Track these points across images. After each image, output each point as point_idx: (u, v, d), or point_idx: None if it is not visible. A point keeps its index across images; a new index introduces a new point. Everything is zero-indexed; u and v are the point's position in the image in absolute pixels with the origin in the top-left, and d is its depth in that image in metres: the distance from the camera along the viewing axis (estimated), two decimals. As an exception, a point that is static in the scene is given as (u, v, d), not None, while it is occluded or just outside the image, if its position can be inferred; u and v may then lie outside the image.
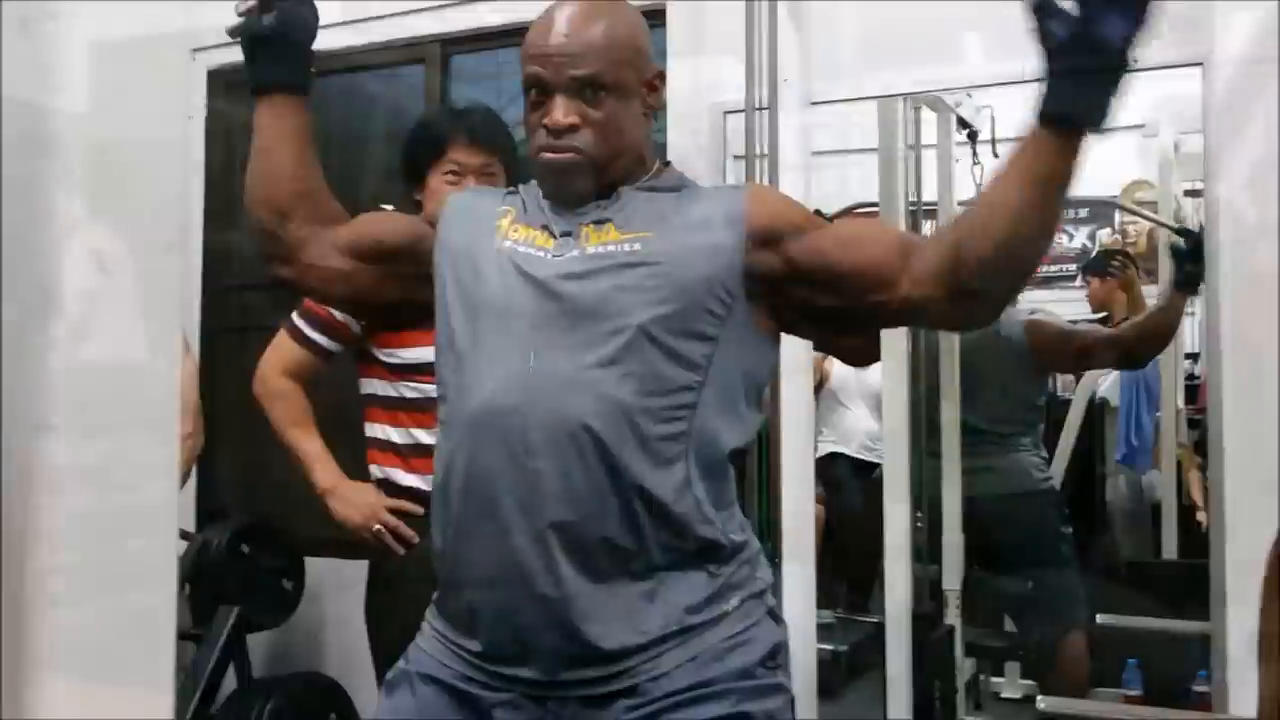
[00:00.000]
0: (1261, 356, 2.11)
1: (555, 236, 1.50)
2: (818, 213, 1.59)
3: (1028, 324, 3.44)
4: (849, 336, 2.45)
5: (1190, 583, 3.38)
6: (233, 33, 1.58)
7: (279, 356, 2.33)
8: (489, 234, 1.54)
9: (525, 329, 1.46)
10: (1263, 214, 2.13)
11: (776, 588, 1.62)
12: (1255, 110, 2.15)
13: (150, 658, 1.04)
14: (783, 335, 1.57)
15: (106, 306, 0.92)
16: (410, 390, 2.24)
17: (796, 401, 2.44)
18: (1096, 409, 4.27)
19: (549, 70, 1.48)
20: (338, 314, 2.24)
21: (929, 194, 3.45)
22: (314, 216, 1.62)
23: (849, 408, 4.38)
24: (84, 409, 0.91)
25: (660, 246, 1.47)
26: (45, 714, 0.90)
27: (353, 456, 2.35)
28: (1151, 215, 4.31)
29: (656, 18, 2.69)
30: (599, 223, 1.50)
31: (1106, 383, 4.30)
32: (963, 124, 3.41)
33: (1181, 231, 3.49)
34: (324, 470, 2.30)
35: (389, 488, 2.27)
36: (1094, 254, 4.85)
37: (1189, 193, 4.11)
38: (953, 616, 3.34)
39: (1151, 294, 3.91)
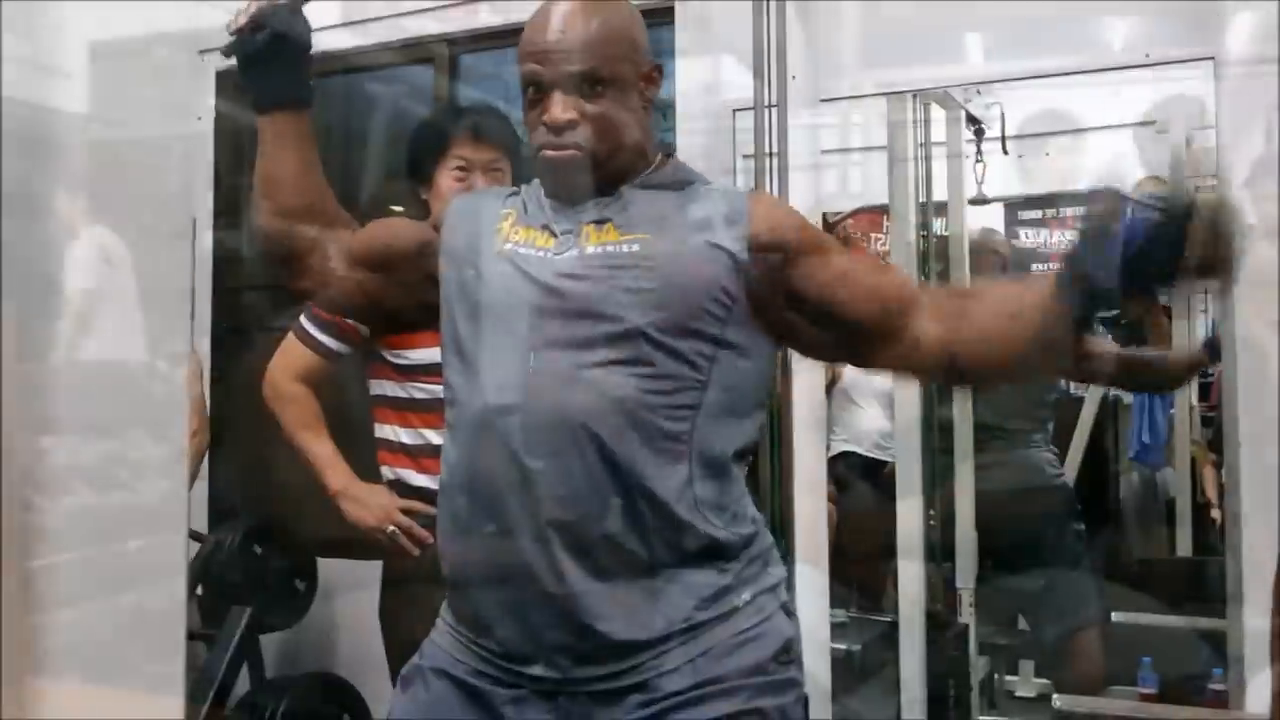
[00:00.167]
0: (1275, 352, 2.09)
1: (556, 235, 1.50)
2: (825, 225, 1.59)
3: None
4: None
5: (1205, 580, 3.37)
6: (226, 52, 1.58)
7: (288, 360, 2.33)
8: (490, 236, 1.54)
9: (526, 329, 1.46)
10: (1273, 210, 2.12)
11: (789, 587, 1.61)
12: (1268, 105, 2.14)
13: (159, 658, 1.04)
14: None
15: (108, 305, 0.92)
16: (419, 391, 2.24)
17: (808, 401, 2.43)
18: (1110, 406, 4.25)
19: (545, 67, 1.48)
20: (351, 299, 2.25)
21: (939, 190, 3.44)
22: (321, 229, 1.63)
23: (861, 406, 4.36)
24: (86, 407, 0.91)
25: (660, 247, 1.47)
26: (49, 714, 0.90)
27: (357, 457, 2.35)
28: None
29: (665, 16, 2.69)
30: (599, 222, 1.50)
31: (1120, 380, 4.27)
32: (972, 120, 3.40)
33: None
34: (336, 472, 2.30)
35: (401, 488, 2.28)
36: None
37: (1201, 190, 4.08)
38: (966, 615, 3.33)
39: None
